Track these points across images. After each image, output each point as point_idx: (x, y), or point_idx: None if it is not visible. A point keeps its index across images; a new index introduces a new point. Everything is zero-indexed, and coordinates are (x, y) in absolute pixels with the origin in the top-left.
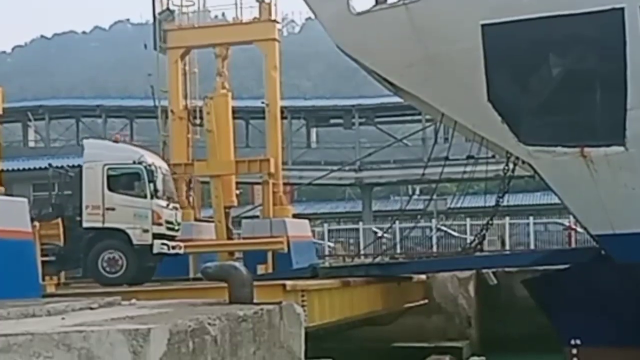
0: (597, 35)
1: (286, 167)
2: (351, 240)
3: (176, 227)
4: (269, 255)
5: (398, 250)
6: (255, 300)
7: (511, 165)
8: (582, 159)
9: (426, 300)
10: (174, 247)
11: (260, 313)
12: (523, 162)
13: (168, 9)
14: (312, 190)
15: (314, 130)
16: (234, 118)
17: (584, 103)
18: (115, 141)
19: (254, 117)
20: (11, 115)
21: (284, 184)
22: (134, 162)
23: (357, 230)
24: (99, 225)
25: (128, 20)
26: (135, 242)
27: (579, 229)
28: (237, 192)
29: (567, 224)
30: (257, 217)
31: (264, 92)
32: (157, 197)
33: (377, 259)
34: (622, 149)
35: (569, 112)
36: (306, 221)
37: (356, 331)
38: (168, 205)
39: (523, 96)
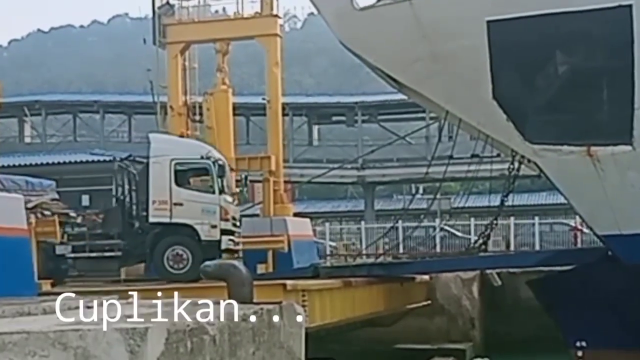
0: (605, 32)
1: (287, 165)
2: (353, 240)
3: (238, 223)
4: (269, 254)
5: (401, 250)
6: (255, 300)
7: (516, 164)
8: (589, 158)
9: (429, 301)
10: (237, 244)
11: (260, 313)
12: (529, 161)
13: (168, 3)
14: (314, 189)
15: (315, 128)
16: (234, 114)
17: (591, 101)
18: (182, 136)
19: (254, 114)
20: (7, 111)
21: (285, 182)
22: (202, 157)
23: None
24: (166, 220)
25: (127, 14)
26: (203, 237)
27: (585, 230)
28: (237, 189)
29: (573, 224)
30: (258, 215)
31: (265, 89)
32: (224, 193)
33: (380, 259)
34: (629, 148)
35: (576, 111)
36: (307, 220)
37: (358, 332)
38: (233, 201)
39: (529, 94)
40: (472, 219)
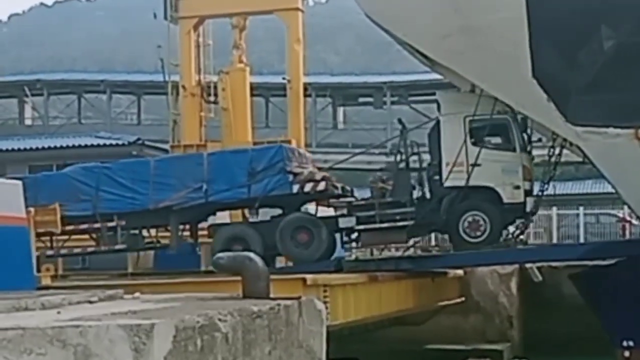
0: None
1: (310, 150)
2: None
3: None
4: None
5: (432, 242)
6: (272, 296)
7: (558, 149)
8: (637, 141)
9: (463, 298)
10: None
11: (276, 309)
12: (571, 144)
13: None
14: (338, 175)
15: (341, 110)
16: (252, 95)
17: (639, 79)
18: (472, 91)
19: (274, 95)
20: (6, 90)
21: None
22: (499, 112)
23: None
24: (463, 183)
25: None
26: (505, 200)
27: (635, 221)
28: None
29: (621, 215)
30: None
31: (286, 67)
32: (525, 150)
33: (409, 252)
34: None
35: (622, 89)
36: (331, 209)
37: (384, 331)
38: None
39: (571, 71)
40: None
